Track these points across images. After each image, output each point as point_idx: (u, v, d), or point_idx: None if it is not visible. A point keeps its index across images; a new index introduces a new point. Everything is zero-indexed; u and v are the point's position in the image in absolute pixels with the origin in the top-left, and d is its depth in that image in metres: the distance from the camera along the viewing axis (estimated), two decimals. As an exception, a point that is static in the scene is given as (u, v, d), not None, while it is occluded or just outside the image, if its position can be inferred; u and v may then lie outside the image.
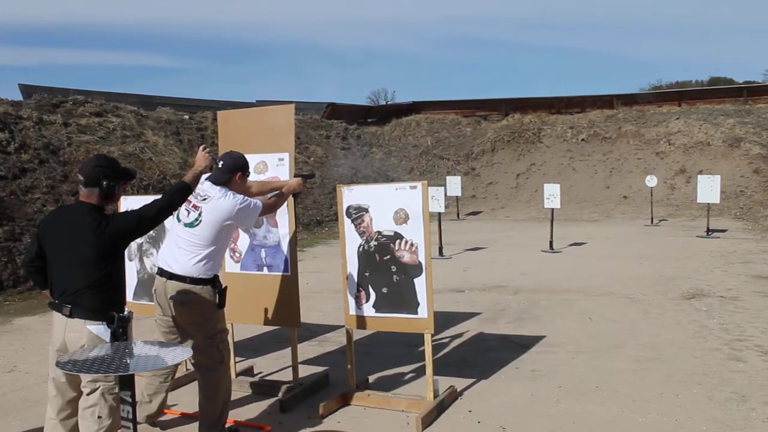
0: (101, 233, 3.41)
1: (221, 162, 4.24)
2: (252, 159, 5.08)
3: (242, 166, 4.27)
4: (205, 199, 4.11)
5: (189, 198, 3.94)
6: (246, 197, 4.16)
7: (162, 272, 4.14)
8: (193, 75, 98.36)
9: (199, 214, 4.07)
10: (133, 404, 3.19)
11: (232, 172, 4.21)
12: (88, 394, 3.49)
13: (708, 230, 14.33)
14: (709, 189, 14.43)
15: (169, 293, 4.08)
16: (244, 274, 5.19)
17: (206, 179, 4.20)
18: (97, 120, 15.93)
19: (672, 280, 9.43)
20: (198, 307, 4.08)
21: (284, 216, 5.00)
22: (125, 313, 3.50)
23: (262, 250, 5.10)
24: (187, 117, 19.38)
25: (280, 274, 5.04)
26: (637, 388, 5.06)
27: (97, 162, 3.61)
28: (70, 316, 3.43)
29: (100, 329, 3.43)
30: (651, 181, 17.67)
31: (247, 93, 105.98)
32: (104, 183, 3.49)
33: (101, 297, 3.44)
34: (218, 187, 4.15)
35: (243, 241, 5.17)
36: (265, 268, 5.10)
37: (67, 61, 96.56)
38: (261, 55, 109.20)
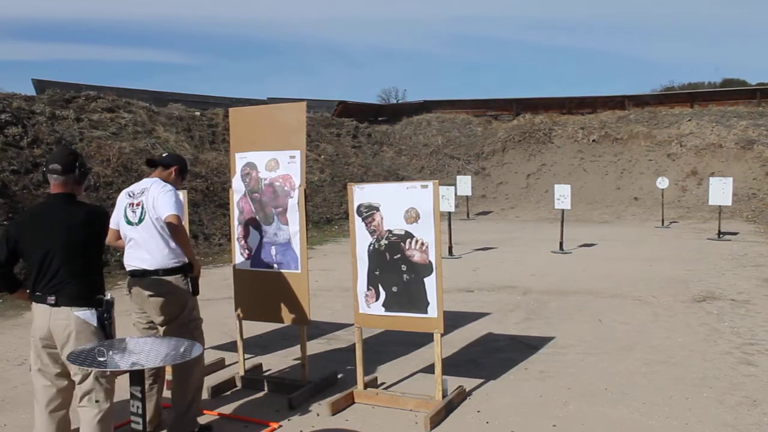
0: (81, 221, 3.55)
1: (165, 154, 4.59)
2: (263, 156, 5.11)
3: (183, 164, 4.52)
4: (143, 192, 4.24)
5: (130, 201, 4.25)
6: (175, 189, 4.27)
7: (134, 273, 4.25)
8: (205, 72, 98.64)
9: (142, 209, 4.20)
10: (143, 399, 3.22)
11: (172, 162, 4.44)
12: (80, 382, 3.56)
13: (719, 233, 14.24)
14: (720, 191, 14.35)
15: (145, 289, 4.19)
16: (254, 271, 5.19)
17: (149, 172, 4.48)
18: (109, 115, 16.00)
19: (683, 282, 9.38)
20: (174, 297, 4.21)
21: (294, 214, 5.00)
22: (109, 297, 3.61)
23: (273, 247, 5.11)
24: (198, 113, 19.44)
25: (290, 271, 5.04)
26: (646, 391, 5.04)
27: (69, 151, 3.87)
28: (56, 304, 3.51)
29: (86, 314, 3.53)
30: (662, 182, 17.58)
31: (258, 90, 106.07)
32: (78, 168, 3.65)
33: (85, 284, 3.54)
34: (154, 179, 4.31)
35: (253, 238, 5.18)
36: (275, 266, 5.10)
37: (80, 56, 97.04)
38: (272, 52, 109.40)
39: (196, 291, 4.32)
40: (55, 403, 3.67)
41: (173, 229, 4.08)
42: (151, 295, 4.18)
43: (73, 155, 3.72)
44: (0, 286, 3.77)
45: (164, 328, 4.23)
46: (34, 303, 3.60)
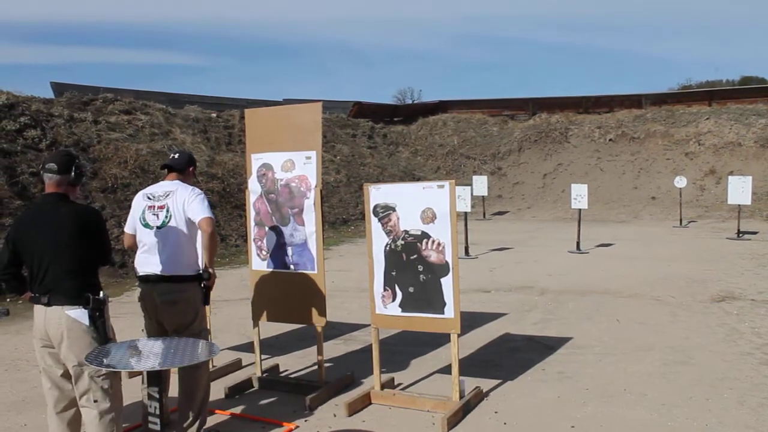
0: (70, 220, 3.54)
1: (177, 154, 4.49)
2: (279, 157, 5.12)
3: (194, 161, 4.55)
4: (167, 195, 4.19)
5: (150, 204, 4.18)
6: (203, 194, 4.24)
7: (147, 278, 4.18)
8: (221, 73, 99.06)
9: (167, 211, 4.14)
10: (161, 400, 3.22)
11: (188, 164, 4.43)
12: (76, 383, 3.55)
13: (738, 232, 14.10)
14: (740, 190, 14.21)
15: (159, 295, 4.13)
16: (270, 272, 5.20)
17: (165, 175, 4.42)
18: (126, 118, 16.10)
19: (701, 282, 9.29)
20: (188, 306, 4.17)
21: (311, 214, 5.01)
22: (101, 296, 3.59)
23: (289, 248, 5.11)
24: (214, 115, 19.52)
25: (307, 272, 5.05)
26: (665, 392, 4.99)
27: (67, 152, 3.91)
28: (48, 304, 3.52)
29: (77, 313, 3.52)
30: (680, 182, 17.43)
31: (274, 91, 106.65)
32: (74, 170, 3.65)
33: (76, 282, 3.53)
34: (176, 182, 4.27)
35: (270, 239, 5.19)
36: (291, 267, 5.11)
37: (98, 59, 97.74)
38: (288, 54, 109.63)
39: (207, 301, 4.28)
40: (62, 403, 3.67)
41: (209, 231, 4.02)
42: (165, 302, 4.12)
43: (70, 156, 3.72)
44: (7, 288, 3.80)
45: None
46: (34, 304, 3.61)
